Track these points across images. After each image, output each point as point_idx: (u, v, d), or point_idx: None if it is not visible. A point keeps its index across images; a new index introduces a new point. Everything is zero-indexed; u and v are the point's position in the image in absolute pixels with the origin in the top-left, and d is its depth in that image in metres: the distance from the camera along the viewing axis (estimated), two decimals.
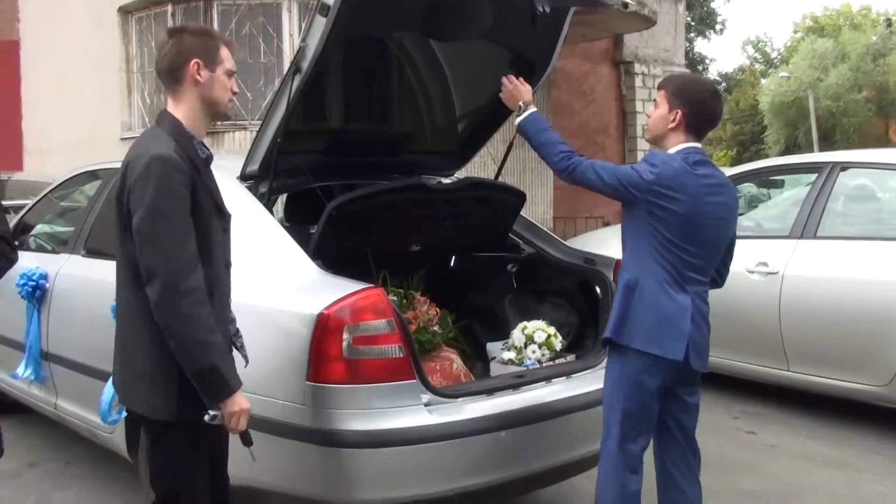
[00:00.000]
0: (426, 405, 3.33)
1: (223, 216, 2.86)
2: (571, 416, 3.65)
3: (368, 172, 4.29)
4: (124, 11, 12.11)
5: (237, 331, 3.07)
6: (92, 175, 5.25)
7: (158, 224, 2.57)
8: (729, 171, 6.44)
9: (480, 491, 3.46)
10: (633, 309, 3.30)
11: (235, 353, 2.99)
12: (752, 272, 5.93)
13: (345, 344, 3.21)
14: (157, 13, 11.74)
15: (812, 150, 43.95)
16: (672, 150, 3.33)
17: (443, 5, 3.76)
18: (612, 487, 3.33)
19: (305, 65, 3.53)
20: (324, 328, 3.21)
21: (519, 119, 3.61)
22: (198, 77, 2.76)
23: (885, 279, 5.39)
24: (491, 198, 4.45)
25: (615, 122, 16.65)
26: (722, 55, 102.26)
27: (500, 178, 4.63)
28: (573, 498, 4.46)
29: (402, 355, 3.29)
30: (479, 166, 6.67)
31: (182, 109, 2.80)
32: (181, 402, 2.67)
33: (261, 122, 3.81)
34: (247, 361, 3.06)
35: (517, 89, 3.69)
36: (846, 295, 5.56)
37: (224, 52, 2.84)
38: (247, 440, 2.82)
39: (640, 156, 16.16)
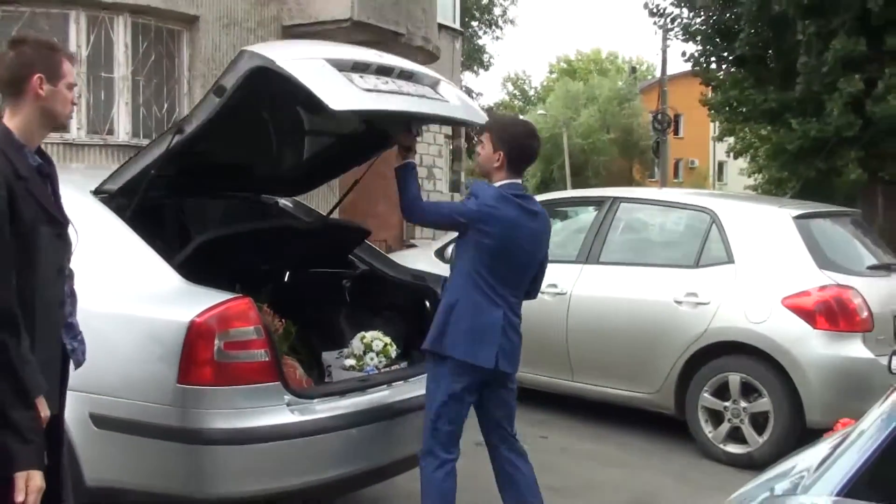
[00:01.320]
0: (288, 405, 3.64)
1: (55, 223, 2.91)
2: (410, 416, 4.08)
3: (225, 190, 4.60)
4: None
5: (78, 334, 3.08)
6: None
7: None
8: None
9: (332, 484, 3.82)
10: (452, 324, 3.82)
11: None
12: (543, 293, 6.60)
13: (216, 349, 3.47)
14: None
15: (565, 184, 47.09)
16: (496, 185, 3.90)
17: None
18: (432, 464, 3.82)
19: (189, 129, 3.80)
20: (196, 334, 3.47)
21: (397, 165, 4.11)
22: (40, 91, 2.85)
23: (653, 299, 6.23)
24: (339, 235, 4.92)
25: (393, 152, 17.26)
26: (485, 90, 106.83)
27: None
28: (396, 496, 4.87)
29: (267, 359, 3.60)
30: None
31: (17, 120, 2.87)
32: None
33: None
34: (78, 365, 3.06)
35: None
36: (622, 313, 6.36)
37: (66, 66, 2.93)
38: None
39: None
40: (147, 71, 10.54)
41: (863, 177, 10.20)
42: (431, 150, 17.34)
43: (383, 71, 4.00)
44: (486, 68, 37.13)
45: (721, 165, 51.83)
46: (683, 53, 12.68)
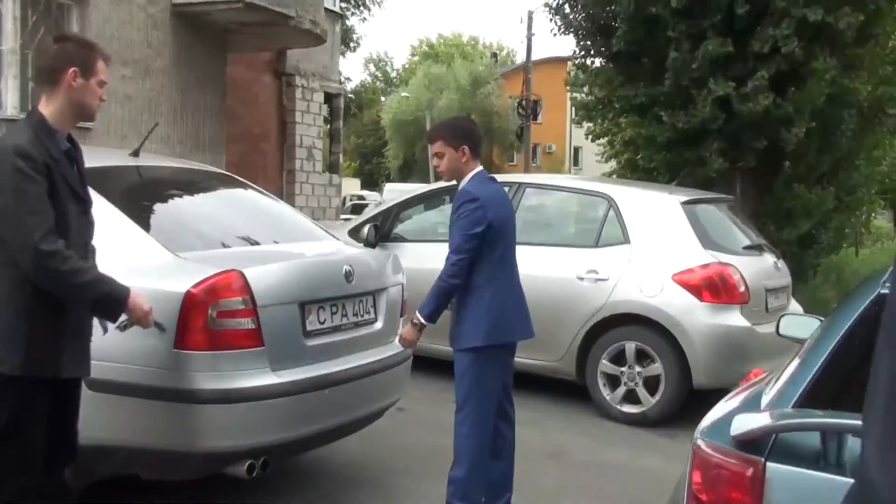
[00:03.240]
0: (272, 368, 4.04)
1: (81, 202, 3.32)
2: (372, 378, 4.55)
3: None
4: None
5: None
6: None
7: (16, 202, 3.03)
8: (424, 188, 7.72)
9: (306, 439, 4.25)
10: (497, 314, 4.33)
11: (95, 322, 3.47)
12: None
13: (209, 317, 3.83)
14: None
15: (427, 167, 47.80)
16: (469, 177, 4.37)
17: None
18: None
19: None
20: (191, 303, 3.82)
21: (427, 321, 4.36)
22: (73, 83, 3.22)
23: (557, 276, 6.86)
24: None
25: (276, 131, 17.41)
26: (349, 72, 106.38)
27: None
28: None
29: (253, 327, 3.98)
30: None
31: (51, 108, 3.23)
32: (29, 361, 3.10)
33: None
34: (105, 331, 3.48)
35: (407, 339, 4.50)
36: (528, 289, 6.91)
37: (100, 65, 3.34)
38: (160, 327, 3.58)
39: (297, 164, 17.12)
40: (36, 44, 10.43)
41: (723, 166, 11.17)
42: (311, 131, 17.58)
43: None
44: (354, 50, 37.31)
45: (577, 151, 53.76)
46: (574, 54, 13.41)
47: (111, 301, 3.21)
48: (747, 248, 7.17)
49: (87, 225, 3.35)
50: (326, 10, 16.32)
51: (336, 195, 18.63)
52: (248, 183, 5.54)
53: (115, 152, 5.22)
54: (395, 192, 34.08)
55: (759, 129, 11.18)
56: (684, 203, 6.89)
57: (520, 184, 7.46)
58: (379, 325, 4.79)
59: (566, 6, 12.66)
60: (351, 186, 39.90)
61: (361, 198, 35.85)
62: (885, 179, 17.82)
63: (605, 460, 5.88)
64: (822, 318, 4.24)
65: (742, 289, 6.50)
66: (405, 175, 49.88)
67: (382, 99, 57.58)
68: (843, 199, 12.61)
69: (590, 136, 27.21)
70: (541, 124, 50.08)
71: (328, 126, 20.24)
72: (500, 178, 9.32)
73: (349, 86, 37.94)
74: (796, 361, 2.70)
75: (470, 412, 4.35)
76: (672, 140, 11.82)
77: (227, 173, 5.59)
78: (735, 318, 6.46)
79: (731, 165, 11.47)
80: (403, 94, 51.22)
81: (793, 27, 10.68)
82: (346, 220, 15.37)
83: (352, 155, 54.79)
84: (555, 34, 14.54)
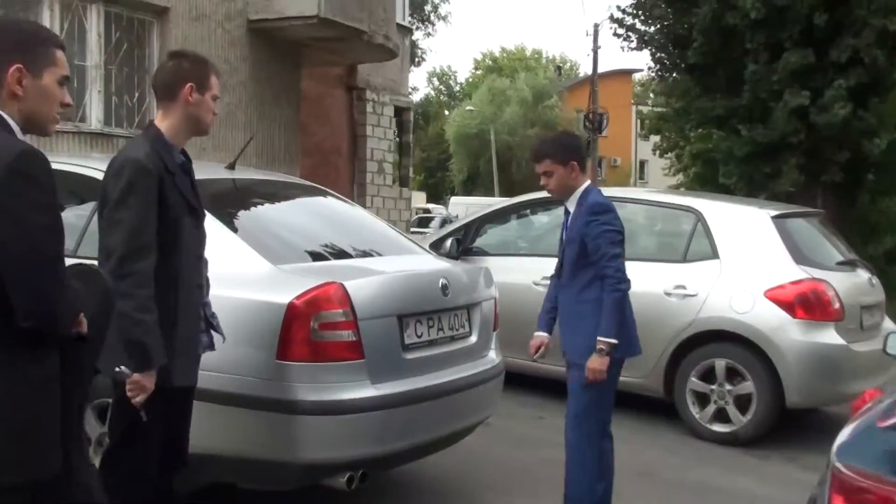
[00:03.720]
0: (371, 381, 4.02)
1: (195, 214, 3.39)
2: (469, 391, 4.51)
3: None
4: None
5: (213, 313, 3.57)
6: None
7: (120, 214, 3.09)
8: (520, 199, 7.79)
9: (403, 452, 4.23)
10: (625, 326, 4.31)
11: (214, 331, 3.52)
12: (537, 284, 7.06)
13: (311, 328, 3.83)
14: None
15: (491, 180, 47.82)
16: (585, 190, 4.34)
17: None
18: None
19: None
20: (294, 315, 3.82)
21: (612, 340, 4.22)
22: (190, 98, 3.30)
23: (643, 291, 6.61)
24: None
25: (347, 144, 17.54)
26: (413, 86, 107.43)
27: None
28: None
29: (354, 339, 3.96)
30: None
31: (168, 123, 3.32)
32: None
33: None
34: (224, 338, 3.58)
35: (600, 370, 4.24)
36: None
37: (214, 80, 3.41)
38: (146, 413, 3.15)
39: (368, 177, 17.20)
40: (119, 60, 10.66)
41: (800, 180, 10.95)
42: (382, 144, 17.69)
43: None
44: (419, 64, 37.58)
45: (642, 164, 53.31)
46: (651, 74, 13.33)
47: (140, 355, 3.06)
48: (840, 263, 6.98)
49: (201, 237, 3.38)
50: (397, 24, 16.43)
51: (406, 208, 18.70)
52: (339, 196, 5.56)
53: (211, 165, 5.27)
54: (461, 205, 34.29)
55: (840, 141, 10.95)
56: (775, 217, 6.74)
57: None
58: (473, 339, 4.75)
59: (637, 21, 12.57)
60: (417, 200, 40.12)
61: (427, 211, 36.01)
62: None
63: (698, 480, 5.74)
64: None
65: (837, 305, 6.32)
66: (469, 188, 49.97)
67: (446, 113, 57.79)
68: None
69: (657, 151, 27.10)
70: (606, 137, 49.68)
71: (398, 139, 20.32)
72: None
73: (414, 99, 38.14)
74: None
75: (589, 428, 4.32)
76: (750, 154, 11.62)
77: (319, 186, 5.61)
78: (830, 336, 6.28)
79: (812, 179, 11.23)
80: (467, 107, 51.34)
81: (874, 36, 10.46)
82: (413, 233, 15.40)
83: (417, 168, 55.06)
84: (625, 49, 14.45)
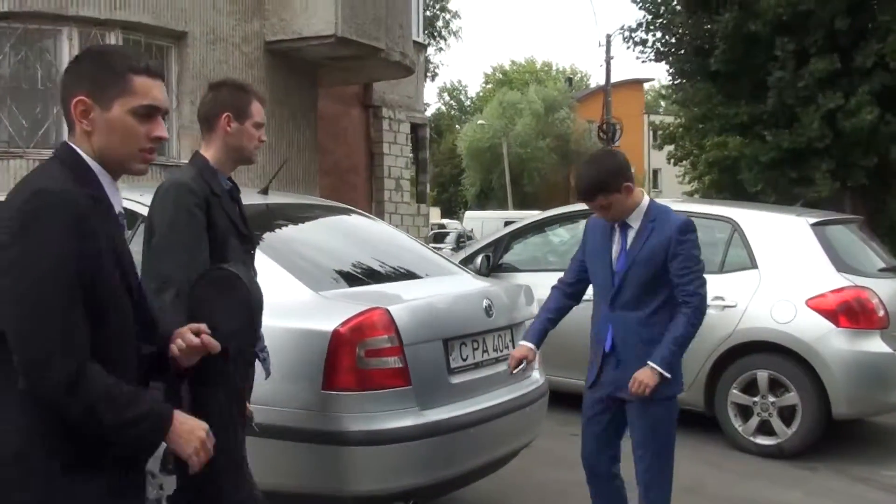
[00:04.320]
0: (419, 407, 3.92)
1: (245, 239, 3.31)
2: (515, 414, 4.40)
3: None
4: None
5: (264, 346, 3.49)
6: None
7: (172, 237, 3.04)
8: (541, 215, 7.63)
9: (454, 479, 4.12)
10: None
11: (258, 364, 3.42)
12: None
13: (357, 356, 3.74)
14: None
15: (505, 193, 47.76)
16: (650, 203, 3.94)
17: None
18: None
19: None
20: (339, 343, 3.73)
21: (664, 372, 3.85)
22: (228, 128, 3.25)
23: None
24: None
25: (364, 162, 17.50)
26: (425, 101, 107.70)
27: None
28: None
29: (401, 366, 3.86)
30: None
31: (211, 152, 3.28)
32: None
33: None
34: (268, 374, 3.49)
35: (647, 383, 3.82)
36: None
37: (255, 107, 3.33)
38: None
39: (386, 195, 17.15)
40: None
41: (834, 186, 10.84)
42: (399, 161, 17.64)
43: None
44: (432, 79, 37.60)
45: (655, 173, 53.16)
46: (670, 83, 13.26)
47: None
48: (882, 270, 6.84)
49: (250, 262, 3.31)
50: (413, 41, 16.40)
51: (424, 224, 18.65)
52: (373, 217, 5.48)
53: (245, 190, 5.18)
54: (476, 219, 34.17)
55: (867, 145, 10.84)
56: (814, 225, 6.61)
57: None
58: None
59: (656, 33, 12.51)
60: (432, 216, 40.11)
61: (442, 226, 35.85)
62: None
63: (746, 495, 5.61)
64: None
65: (881, 313, 6.19)
66: (482, 202, 49.89)
67: (457, 127, 57.81)
68: None
69: (671, 160, 26.96)
70: (618, 146, 49.70)
71: (413, 156, 20.28)
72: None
73: (428, 113, 38.13)
74: None
75: (666, 463, 4.01)
76: (776, 160, 11.50)
77: (352, 208, 5.53)
78: (876, 344, 6.14)
79: (840, 185, 11.11)
80: (479, 121, 51.35)
81: None
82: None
83: (431, 184, 55.07)
84: (643, 61, 14.34)
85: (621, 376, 3.91)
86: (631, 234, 3.92)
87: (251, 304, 2.39)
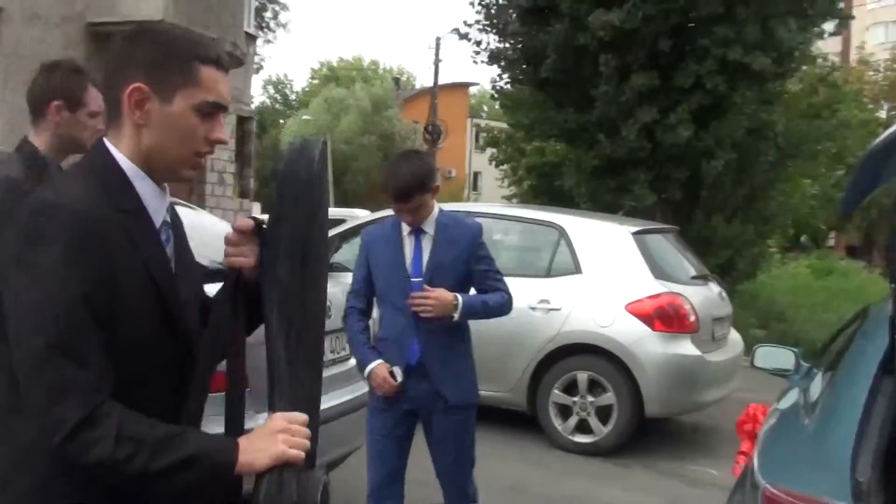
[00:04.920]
0: (253, 410, 3.85)
1: None
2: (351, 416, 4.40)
3: None
4: None
5: None
6: None
7: None
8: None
9: None
10: None
11: None
12: None
13: None
14: None
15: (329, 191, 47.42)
16: (440, 211, 3.81)
17: None
18: None
19: None
20: None
21: (458, 317, 3.67)
22: (58, 118, 2.95)
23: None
24: None
25: None
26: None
27: None
28: None
29: None
30: None
31: (40, 139, 2.98)
32: None
33: None
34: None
35: (436, 302, 3.60)
36: (483, 320, 6.87)
37: (91, 94, 3.02)
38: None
39: (209, 188, 16.72)
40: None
41: (652, 197, 11.43)
42: (223, 154, 17.24)
43: None
44: (257, 72, 36.91)
45: (476, 175, 54.25)
46: (494, 80, 13.58)
47: None
48: (694, 277, 7.29)
49: None
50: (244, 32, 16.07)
51: None
52: (195, 207, 5.34)
53: None
54: None
55: (682, 160, 11.51)
56: (635, 233, 6.96)
57: (468, 213, 7.41)
58: (353, 361, 4.66)
59: (490, 37, 12.82)
60: (254, 210, 39.35)
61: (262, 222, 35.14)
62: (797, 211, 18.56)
63: (567, 492, 5.85)
64: (795, 350, 4.32)
65: (693, 318, 6.59)
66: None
67: (282, 122, 56.98)
68: (758, 230, 13.05)
69: (493, 162, 27.66)
70: (441, 149, 50.38)
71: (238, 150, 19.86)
72: (445, 207, 9.33)
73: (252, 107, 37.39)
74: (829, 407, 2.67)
75: (468, 460, 4.01)
76: (598, 168, 12.03)
77: (175, 199, 5.36)
78: (687, 347, 6.54)
79: (658, 196, 11.75)
80: (304, 116, 50.81)
81: (715, 64, 11.10)
82: None
83: (254, 178, 54.01)
84: (476, 63, 14.67)
85: (429, 389, 3.73)
86: (426, 240, 3.71)
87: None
